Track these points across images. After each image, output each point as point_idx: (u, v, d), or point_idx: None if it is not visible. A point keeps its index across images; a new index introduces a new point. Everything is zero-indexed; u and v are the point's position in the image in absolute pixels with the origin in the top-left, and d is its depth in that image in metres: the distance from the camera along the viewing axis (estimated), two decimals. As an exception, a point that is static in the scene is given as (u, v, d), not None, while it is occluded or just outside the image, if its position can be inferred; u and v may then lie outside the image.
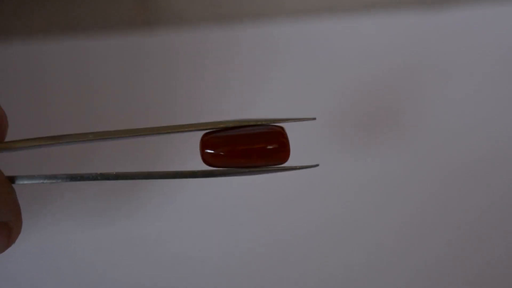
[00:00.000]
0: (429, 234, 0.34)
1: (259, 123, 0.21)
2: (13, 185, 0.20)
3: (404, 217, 0.34)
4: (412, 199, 0.35)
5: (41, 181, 0.20)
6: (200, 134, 0.22)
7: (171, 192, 0.35)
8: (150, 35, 0.40)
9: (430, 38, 0.40)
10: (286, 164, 0.21)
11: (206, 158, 0.21)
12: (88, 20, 0.40)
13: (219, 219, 0.34)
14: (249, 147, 0.20)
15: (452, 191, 0.35)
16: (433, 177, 0.36)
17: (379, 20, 0.40)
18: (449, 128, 0.37)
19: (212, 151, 0.20)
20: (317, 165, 0.22)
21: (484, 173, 0.35)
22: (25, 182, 0.20)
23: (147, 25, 0.40)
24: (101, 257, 0.33)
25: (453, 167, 0.36)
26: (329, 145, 0.36)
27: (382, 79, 0.38)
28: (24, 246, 0.31)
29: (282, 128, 0.21)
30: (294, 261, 0.33)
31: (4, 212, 0.19)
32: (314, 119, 0.22)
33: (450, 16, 0.40)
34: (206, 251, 0.33)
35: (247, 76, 0.39)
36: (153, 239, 0.34)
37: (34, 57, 0.39)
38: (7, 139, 0.21)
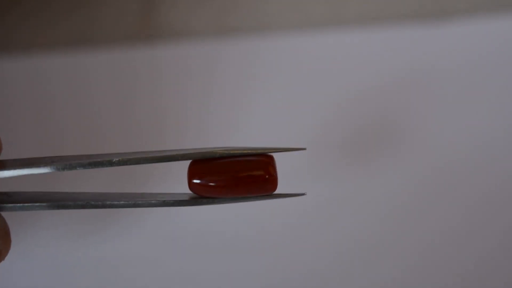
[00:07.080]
0: (434, 263, 0.33)
1: (246, 151, 0.21)
2: None
3: (405, 240, 0.33)
4: (412, 219, 0.34)
5: (21, 204, 0.20)
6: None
7: (139, 217, 0.33)
8: (153, 49, 0.39)
9: (428, 52, 0.39)
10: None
11: (193, 188, 0.21)
12: (91, 34, 0.40)
13: (195, 250, 0.33)
14: (236, 179, 0.20)
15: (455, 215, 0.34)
16: (432, 197, 0.35)
17: (375, 34, 0.39)
18: (447, 144, 0.36)
19: (199, 181, 0.21)
20: (304, 194, 0.22)
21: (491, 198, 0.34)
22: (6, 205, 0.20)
23: (150, 39, 0.40)
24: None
25: (453, 180, 0.35)
26: (321, 172, 0.35)
27: (379, 96, 0.38)
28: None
29: (271, 158, 0.21)
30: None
31: None
32: (305, 149, 0.22)
33: (449, 30, 0.39)
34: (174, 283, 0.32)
35: (253, 90, 0.38)
36: (116, 263, 0.32)
37: (36, 72, 0.39)
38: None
